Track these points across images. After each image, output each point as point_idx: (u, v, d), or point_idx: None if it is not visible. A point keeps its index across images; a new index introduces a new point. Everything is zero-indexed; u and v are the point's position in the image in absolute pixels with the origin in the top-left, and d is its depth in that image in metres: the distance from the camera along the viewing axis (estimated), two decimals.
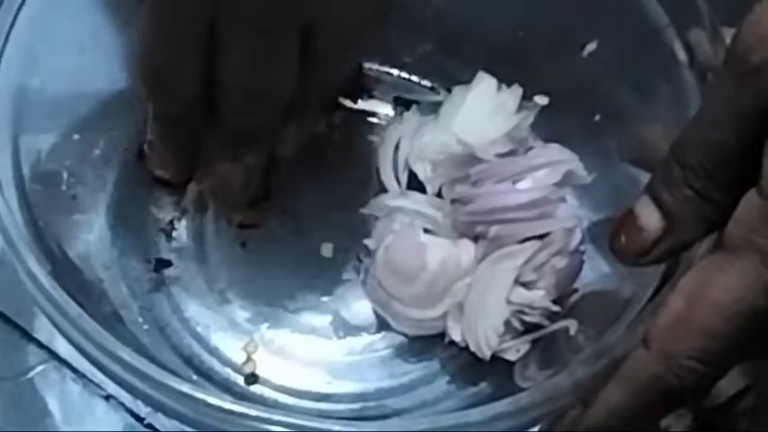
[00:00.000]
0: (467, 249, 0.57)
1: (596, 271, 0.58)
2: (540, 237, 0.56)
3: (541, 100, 0.59)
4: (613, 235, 0.49)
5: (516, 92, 0.60)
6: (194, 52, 0.53)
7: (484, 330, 0.55)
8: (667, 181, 0.46)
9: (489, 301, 0.56)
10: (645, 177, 0.49)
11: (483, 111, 0.60)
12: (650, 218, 0.47)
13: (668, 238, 0.47)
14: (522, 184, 0.57)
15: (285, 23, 0.53)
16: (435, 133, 0.61)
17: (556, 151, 0.58)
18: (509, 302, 0.55)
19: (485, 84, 0.61)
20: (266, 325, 0.59)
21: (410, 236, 0.58)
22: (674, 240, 0.47)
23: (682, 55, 0.55)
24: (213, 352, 0.58)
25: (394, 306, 0.58)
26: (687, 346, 0.43)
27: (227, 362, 0.58)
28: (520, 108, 0.59)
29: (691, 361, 0.43)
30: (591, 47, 0.60)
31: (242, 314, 0.60)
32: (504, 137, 0.58)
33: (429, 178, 0.60)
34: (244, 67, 0.54)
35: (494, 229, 0.56)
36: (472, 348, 0.56)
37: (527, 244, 0.56)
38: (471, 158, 0.58)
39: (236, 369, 0.58)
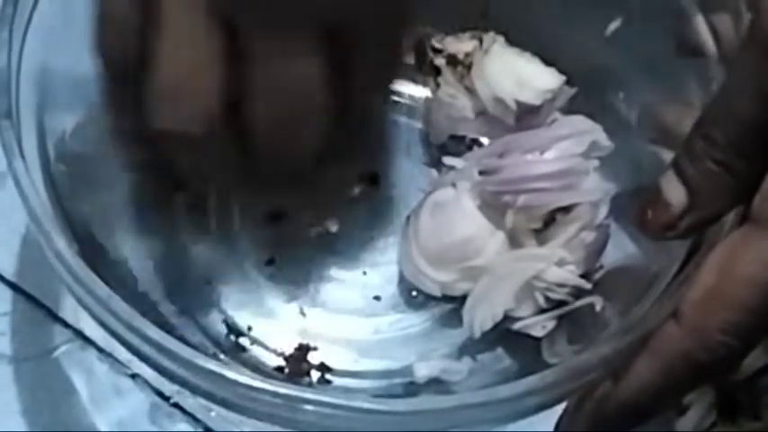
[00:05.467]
0: (496, 240, 0.57)
1: (621, 248, 0.57)
2: (566, 210, 0.56)
3: (569, 90, 0.59)
4: (640, 210, 0.49)
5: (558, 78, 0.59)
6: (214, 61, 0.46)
7: (483, 314, 0.56)
8: (690, 155, 0.46)
9: (500, 291, 0.56)
10: (668, 155, 0.49)
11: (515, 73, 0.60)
12: (675, 192, 0.47)
13: (693, 212, 0.47)
14: (548, 154, 0.57)
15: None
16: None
17: (580, 121, 0.58)
18: (539, 280, 0.55)
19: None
20: (294, 304, 0.60)
21: (458, 197, 0.58)
22: (699, 214, 0.47)
23: (706, 36, 0.55)
24: (241, 331, 0.58)
25: (418, 263, 0.58)
26: (718, 320, 0.43)
27: (255, 341, 0.58)
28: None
29: (722, 335, 0.43)
30: (614, 25, 0.60)
31: (270, 293, 0.60)
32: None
33: None
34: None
35: (521, 199, 0.56)
36: (464, 322, 0.56)
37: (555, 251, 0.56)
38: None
39: (265, 347, 0.58)
